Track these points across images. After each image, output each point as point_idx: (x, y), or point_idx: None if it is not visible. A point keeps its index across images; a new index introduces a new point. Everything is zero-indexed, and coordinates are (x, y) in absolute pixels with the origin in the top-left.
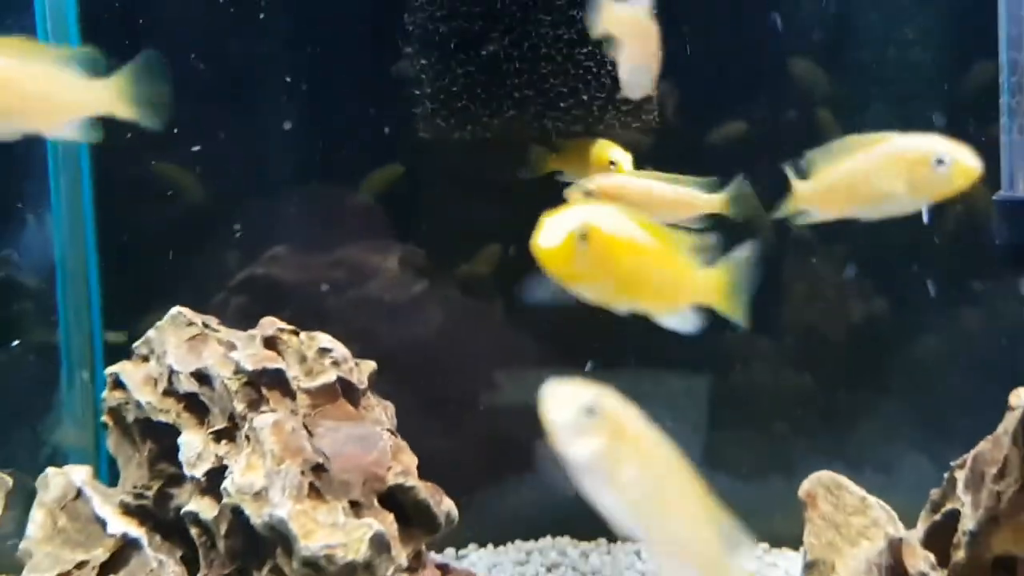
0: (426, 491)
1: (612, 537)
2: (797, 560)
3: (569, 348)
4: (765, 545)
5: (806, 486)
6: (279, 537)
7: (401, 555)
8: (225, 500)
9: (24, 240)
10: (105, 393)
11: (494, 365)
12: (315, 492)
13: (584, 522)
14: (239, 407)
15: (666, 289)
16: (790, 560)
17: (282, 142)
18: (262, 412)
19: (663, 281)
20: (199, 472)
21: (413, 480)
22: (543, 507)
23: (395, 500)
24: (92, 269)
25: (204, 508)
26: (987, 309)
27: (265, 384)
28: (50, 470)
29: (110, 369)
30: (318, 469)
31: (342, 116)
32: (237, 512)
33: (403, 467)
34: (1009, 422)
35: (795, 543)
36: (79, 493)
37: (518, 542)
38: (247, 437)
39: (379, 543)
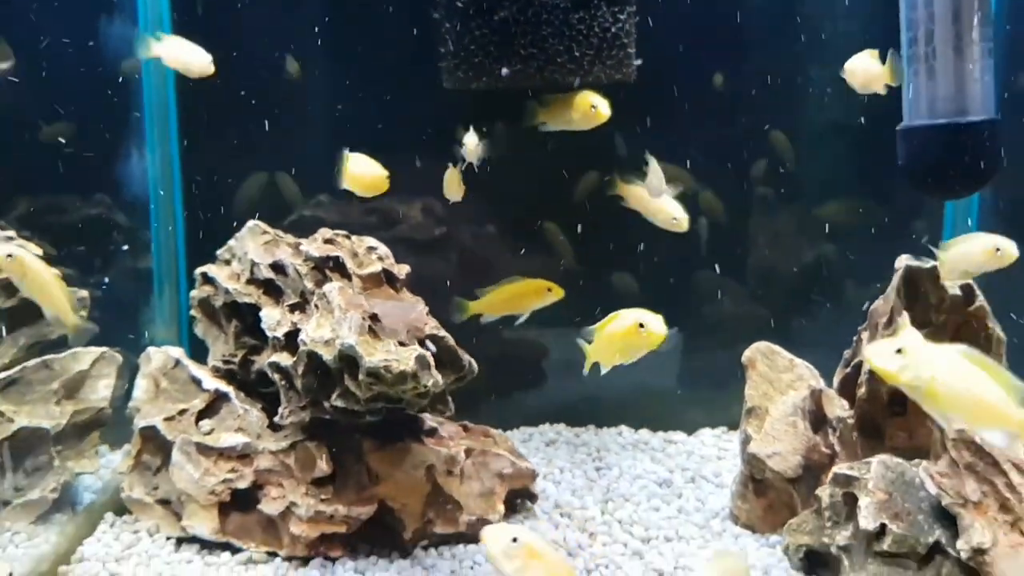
0: (453, 341)
1: (599, 423)
2: None
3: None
4: (725, 428)
5: (747, 353)
6: (347, 363)
7: (438, 378)
8: (301, 349)
9: (121, 181)
10: (194, 291)
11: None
12: (372, 333)
13: (577, 414)
14: (308, 285)
15: None
16: None
17: (330, 102)
18: (329, 282)
19: None
20: (279, 333)
21: (444, 332)
22: (542, 402)
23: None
24: (178, 206)
25: (283, 359)
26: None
27: (328, 268)
28: (151, 348)
29: (199, 269)
30: (374, 319)
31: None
32: (312, 356)
33: (436, 324)
34: (894, 280)
35: None
36: (177, 363)
37: (522, 427)
38: (316, 306)
39: (423, 361)
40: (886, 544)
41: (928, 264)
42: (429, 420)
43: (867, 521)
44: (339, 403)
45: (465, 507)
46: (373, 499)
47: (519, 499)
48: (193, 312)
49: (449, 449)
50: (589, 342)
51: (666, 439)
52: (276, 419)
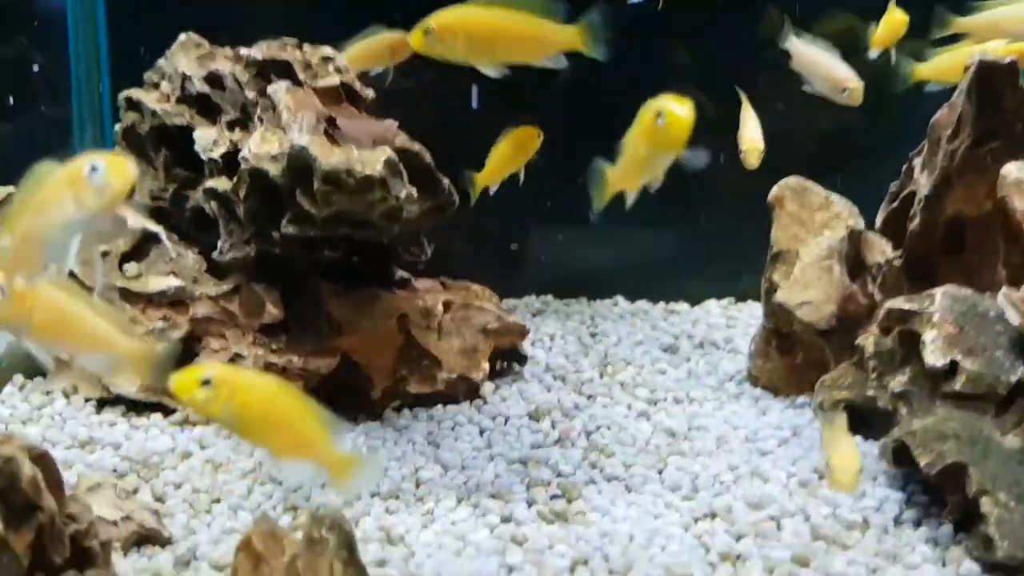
0: (430, 159)
1: (591, 296)
2: (757, 308)
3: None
4: (732, 299)
5: (774, 191)
6: (298, 177)
7: (412, 191)
8: (243, 167)
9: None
10: (118, 125)
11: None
12: (330, 137)
13: (566, 285)
14: (250, 95)
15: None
16: (753, 307)
17: None
18: (274, 83)
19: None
20: (216, 154)
21: (419, 147)
22: (525, 275)
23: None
24: (101, 31)
25: (221, 184)
26: None
27: (275, 73)
28: None
29: (123, 93)
30: (331, 123)
31: None
32: (255, 175)
33: (408, 139)
34: (964, 83)
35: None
36: None
37: (505, 300)
38: (260, 119)
39: (392, 166)
40: (958, 384)
41: (1006, 60)
42: (401, 273)
43: (934, 358)
44: (291, 230)
45: (444, 364)
46: (335, 351)
47: (505, 361)
48: (118, 148)
49: (425, 302)
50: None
51: (668, 309)
52: (215, 255)
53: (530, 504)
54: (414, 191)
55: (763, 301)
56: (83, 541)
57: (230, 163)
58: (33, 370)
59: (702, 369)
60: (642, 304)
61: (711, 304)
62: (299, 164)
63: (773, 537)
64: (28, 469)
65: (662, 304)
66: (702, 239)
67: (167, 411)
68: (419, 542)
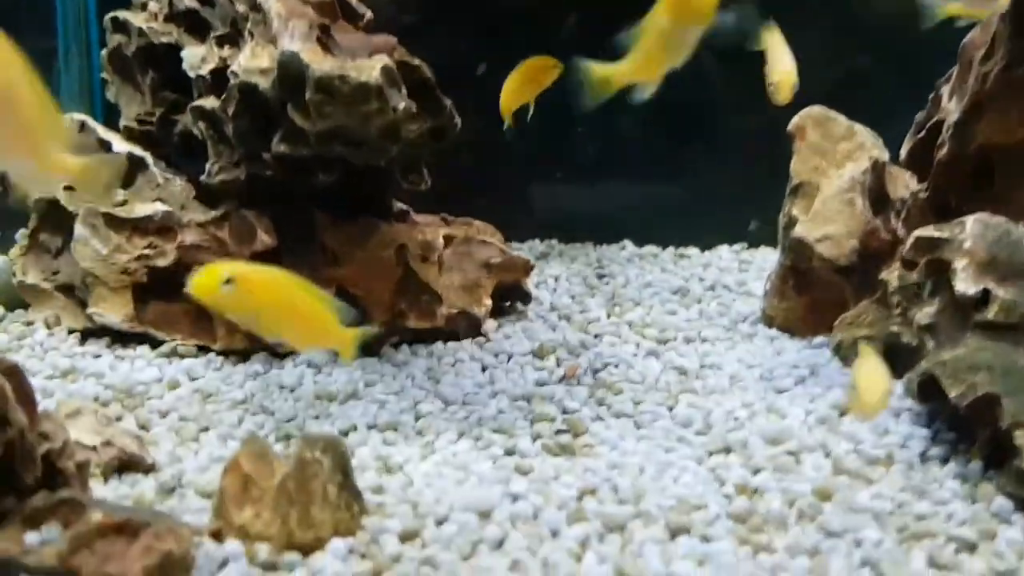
0: (431, 73)
1: (598, 240)
2: (771, 254)
3: None
4: (745, 244)
5: (795, 120)
6: (290, 89)
7: (411, 104)
8: (232, 83)
9: None
10: (104, 51)
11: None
12: (323, 46)
13: (571, 230)
14: (240, 8)
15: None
16: (765, 253)
17: None
18: None
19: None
20: (205, 71)
21: (419, 62)
22: (528, 219)
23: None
24: None
25: (210, 102)
26: None
27: None
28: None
29: (110, 14)
30: (325, 31)
31: None
32: (245, 90)
33: (407, 54)
34: (1000, 3)
35: (771, 242)
36: (82, 126)
37: (512, 244)
38: (250, 33)
39: (390, 75)
40: (991, 313)
41: None
42: (399, 205)
43: (966, 286)
44: (282, 148)
45: (445, 299)
46: (330, 282)
47: (508, 301)
48: (104, 74)
49: (424, 235)
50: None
51: (677, 254)
52: (204, 178)
53: (535, 438)
54: (413, 105)
55: (780, 236)
56: (56, 461)
57: (219, 81)
58: (14, 302)
59: (714, 310)
60: (651, 248)
61: (722, 249)
62: (290, 73)
63: (792, 471)
64: None
65: (671, 249)
66: (713, 184)
67: (154, 343)
68: (418, 471)
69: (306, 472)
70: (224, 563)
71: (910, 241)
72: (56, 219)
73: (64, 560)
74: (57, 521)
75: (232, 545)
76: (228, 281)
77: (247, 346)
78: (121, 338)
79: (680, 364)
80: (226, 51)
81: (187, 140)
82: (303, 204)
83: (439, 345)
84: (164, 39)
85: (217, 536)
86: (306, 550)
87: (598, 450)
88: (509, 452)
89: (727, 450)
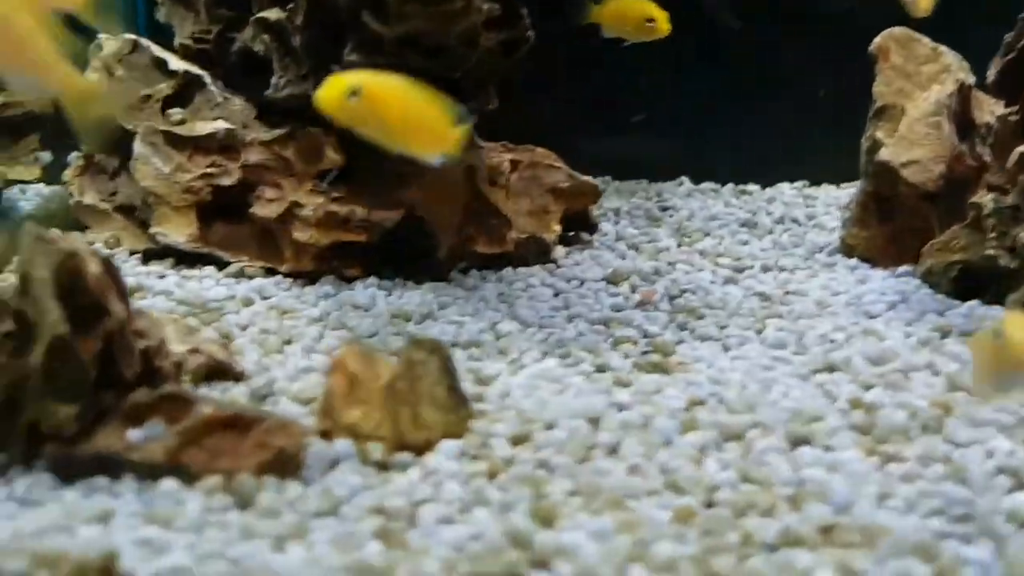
0: None
1: (652, 178)
2: (834, 191)
3: None
4: (806, 182)
5: (877, 41)
6: None
7: (496, 6)
8: None
9: None
10: None
11: None
12: None
13: (624, 167)
14: None
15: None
16: (828, 190)
17: None
18: None
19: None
20: None
21: None
22: (578, 158)
23: None
24: None
25: (273, 13)
26: None
27: None
28: (100, 35)
29: None
30: None
31: None
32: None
33: None
34: None
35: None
36: (135, 46)
37: None
38: None
39: None
40: None
41: None
42: None
43: None
44: (355, 58)
45: (514, 223)
46: (399, 204)
47: (572, 231)
48: None
49: (491, 158)
50: None
51: (738, 189)
52: (268, 93)
53: (624, 357)
54: (497, 7)
55: (863, 161)
56: (154, 360)
57: None
58: (70, 223)
59: (787, 241)
60: (710, 184)
61: (784, 186)
62: None
63: (904, 388)
64: (94, 267)
65: (731, 185)
66: (772, 123)
67: (220, 264)
68: (513, 383)
69: (415, 373)
70: (335, 462)
71: (1014, 157)
72: (112, 139)
73: (172, 456)
74: (160, 417)
75: (342, 444)
76: (354, 93)
77: (316, 267)
78: (185, 258)
79: (762, 290)
80: None
81: (246, 57)
82: None
83: (508, 271)
84: None
85: (326, 436)
86: (418, 450)
87: (694, 367)
88: (600, 369)
89: (831, 368)
